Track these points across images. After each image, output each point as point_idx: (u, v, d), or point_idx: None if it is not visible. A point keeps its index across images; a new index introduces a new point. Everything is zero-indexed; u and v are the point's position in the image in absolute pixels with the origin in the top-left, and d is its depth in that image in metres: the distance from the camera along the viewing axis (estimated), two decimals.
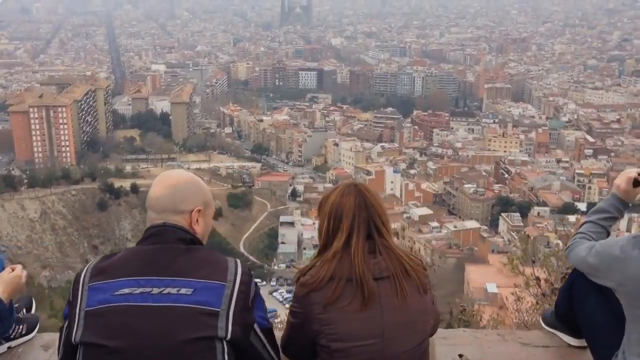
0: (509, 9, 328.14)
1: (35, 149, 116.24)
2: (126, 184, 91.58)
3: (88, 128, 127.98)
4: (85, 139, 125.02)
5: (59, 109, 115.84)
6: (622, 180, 3.10)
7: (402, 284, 2.61)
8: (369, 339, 2.57)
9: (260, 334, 2.50)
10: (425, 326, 2.71)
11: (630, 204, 3.14)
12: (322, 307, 2.56)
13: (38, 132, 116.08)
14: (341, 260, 2.60)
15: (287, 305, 77.22)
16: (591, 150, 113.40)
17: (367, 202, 2.71)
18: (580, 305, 3.27)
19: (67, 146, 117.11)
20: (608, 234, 3.14)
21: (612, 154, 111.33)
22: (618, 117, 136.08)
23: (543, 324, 3.79)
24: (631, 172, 3.10)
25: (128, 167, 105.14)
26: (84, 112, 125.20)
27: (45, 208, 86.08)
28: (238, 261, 2.42)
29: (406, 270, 2.64)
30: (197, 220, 2.50)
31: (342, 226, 2.66)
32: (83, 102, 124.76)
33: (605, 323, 3.08)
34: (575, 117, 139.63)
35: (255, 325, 2.45)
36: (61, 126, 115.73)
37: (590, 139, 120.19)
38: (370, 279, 2.56)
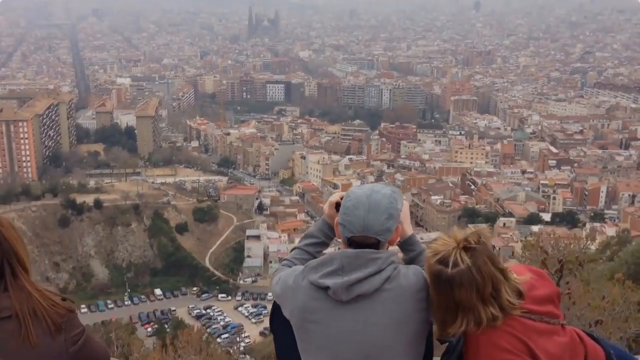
0: (475, 22, 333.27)
1: None
2: (89, 199, 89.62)
3: (50, 143, 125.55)
4: (47, 153, 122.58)
5: (20, 124, 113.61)
6: (326, 204, 2.93)
7: (27, 324, 2.34)
8: None
9: None
10: None
11: None
12: None
13: None
14: None
15: (253, 320, 75.72)
16: (555, 161, 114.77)
17: (2, 237, 2.40)
18: (275, 336, 3.00)
19: (28, 161, 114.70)
20: None
21: (575, 164, 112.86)
22: (581, 128, 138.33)
23: None
24: (334, 196, 2.90)
25: (92, 182, 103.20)
26: (46, 127, 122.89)
27: None
28: None
29: (34, 311, 2.37)
30: None
31: None
32: (45, 116, 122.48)
33: (292, 356, 2.75)
34: (540, 128, 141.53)
35: None
36: (22, 141, 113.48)
37: (554, 150, 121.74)
38: None
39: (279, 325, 2.75)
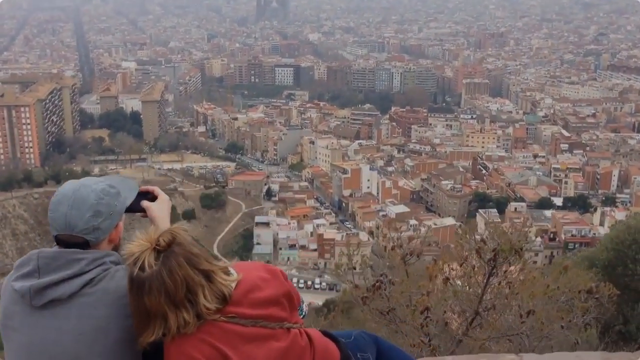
0: (487, 3, 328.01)
1: None
2: None
3: (53, 128, 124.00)
4: (50, 139, 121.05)
5: (22, 109, 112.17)
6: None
7: None
8: None
9: None
10: None
11: None
12: None
13: None
14: None
15: None
16: (567, 145, 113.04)
17: None
18: None
19: (31, 147, 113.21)
20: None
21: (588, 148, 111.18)
22: (593, 111, 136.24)
23: None
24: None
25: (96, 169, 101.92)
26: (48, 112, 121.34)
27: (6, 212, 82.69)
28: None
29: None
30: None
31: None
32: (48, 101, 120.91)
33: None
34: (552, 111, 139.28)
35: None
36: (24, 126, 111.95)
37: (566, 134, 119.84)
38: None
39: None
